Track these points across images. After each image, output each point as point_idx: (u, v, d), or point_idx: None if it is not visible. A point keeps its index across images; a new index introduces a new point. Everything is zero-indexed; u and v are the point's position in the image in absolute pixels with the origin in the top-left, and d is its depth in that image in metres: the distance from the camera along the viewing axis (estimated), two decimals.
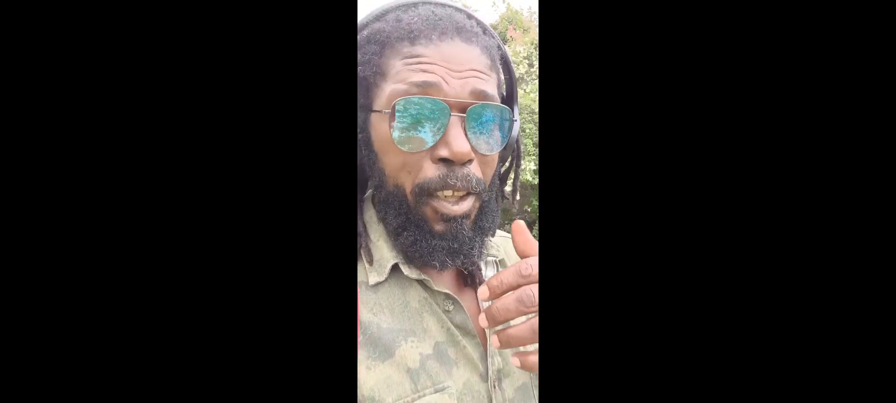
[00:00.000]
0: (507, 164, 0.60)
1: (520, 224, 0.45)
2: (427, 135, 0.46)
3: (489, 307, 0.41)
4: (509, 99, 0.57)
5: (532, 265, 0.40)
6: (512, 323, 0.43)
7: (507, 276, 0.41)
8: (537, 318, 0.39)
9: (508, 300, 0.40)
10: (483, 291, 0.41)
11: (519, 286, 0.40)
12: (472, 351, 0.50)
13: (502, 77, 0.54)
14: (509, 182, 0.61)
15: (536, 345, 0.41)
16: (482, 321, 0.42)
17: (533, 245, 0.44)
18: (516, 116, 0.55)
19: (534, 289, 0.40)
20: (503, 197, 0.60)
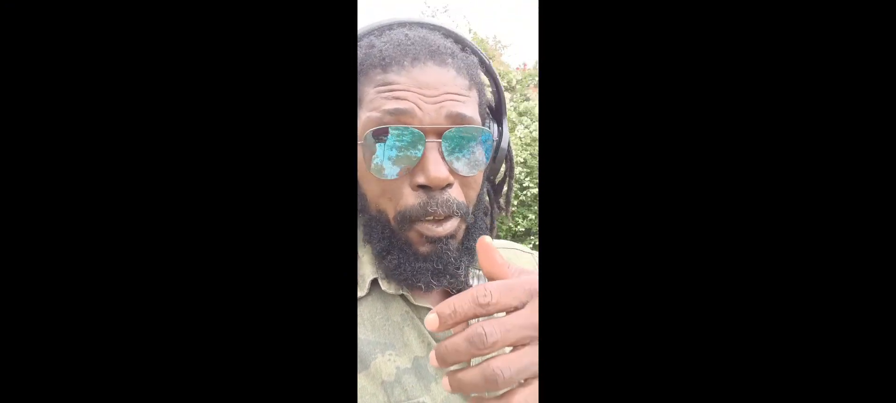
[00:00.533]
0: (501, 175, 0.60)
1: (484, 241, 0.38)
2: (401, 163, 0.46)
3: (438, 345, 0.34)
4: (498, 111, 0.57)
5: (491, 291, 0.34)
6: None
7: (462, 304, 0.34)
8: (495, 362, 0.33)
9: (458, 339, 0.33)
10: (432, 320, 0.34)
11: (475, 316, 0.34)
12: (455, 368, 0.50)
13: (487, 93, 0.55)
14: (503, 193, 0.61)
15: (498, 392, 0.35)
16: (431, 360, 0.35)
17: (502, 267, 0.37)
18: (505, 128, 0.56)
19: (488, 327, 0.33)
20: (499, 208, 0.61)
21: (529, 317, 0.34)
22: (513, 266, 0.38)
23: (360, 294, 0.52)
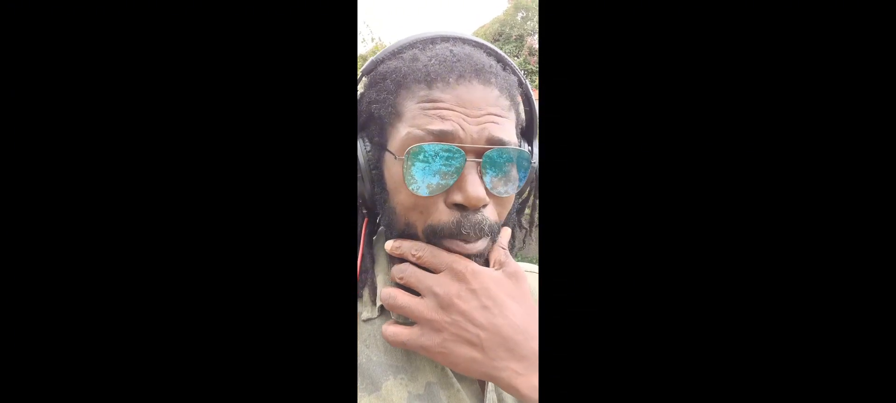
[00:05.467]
0: (524, 196, 0.60)
1: (505, 229, 0.51)
2: (440, 181, 0.46)
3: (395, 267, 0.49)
4: (529, 131, 0.57)
5: (424, 250, 0.47)
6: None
7: (404, 247, 0.48)
8: (391, 290, 0.48)
9: (395, 266, 0.49)
10: (388, 244, 0.50)
11: (406, 258, 0.48)
12: (468, 398, 0.49)
13: (523, 113, 0.55)
14: (526, 214, 0.61)
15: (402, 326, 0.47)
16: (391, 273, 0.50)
17: (495, 247, 0.50)
18: (535, 148, 0.56)
19: (410, 268, 0.47)
20: (521, 227, 0.60)
21: (429, 279, 0.46)
22: (500, 250, 0.50)
23: (370, 315, 0.51)
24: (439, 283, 0.45)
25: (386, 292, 0.47)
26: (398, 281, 0.48)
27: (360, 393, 0.47)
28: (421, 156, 0.45)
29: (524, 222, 0.60)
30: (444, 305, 0.44)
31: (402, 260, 0.49)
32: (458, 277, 0.45)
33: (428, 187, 0.46)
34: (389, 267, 0.53)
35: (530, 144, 0.56)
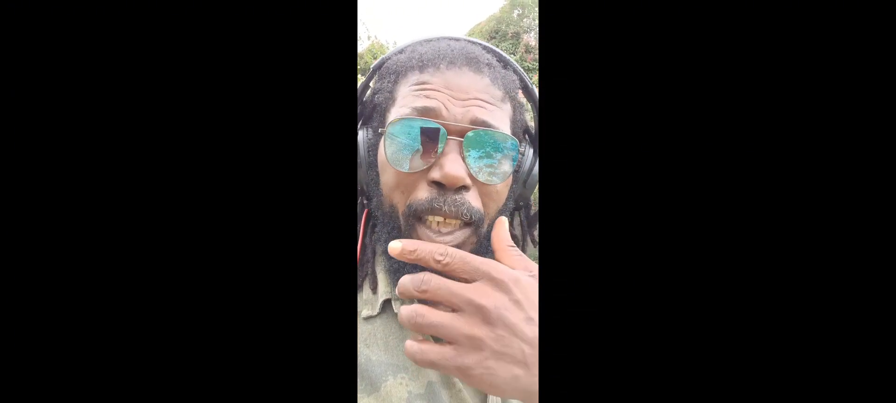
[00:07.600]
0: (536, 207, 0.59)
1: (502, 219, 0.43)
2: (418, 157, 0.46)
3: (403, 278, 0.39)
4: (536, 136, 0.57)
5: (450, 254, 0.38)
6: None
7: (424, 249, 0.39)
8: (421, 307, 0.38)
9: (408, 276, 0.39)
10: (394, 245, 0.39)
11: (431, 266, 0.38)
12: (470, 398, 0.49)
13: (526, 116, 0.55)
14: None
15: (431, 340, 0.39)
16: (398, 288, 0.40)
17: (502, 247, 0.42)
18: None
19: (429, 276, 0.38)
20: (534, 241, 0.59)
21: (468, 291, 0.38)
22: (514, 255, 0.41)
23: (371, 313, 0.51)
24: (482, 294, 0.37)
25: (409, 311, 0.38)
26: (419, 295, 0.38)
27: (360, 395, 0.47)
28: (402, 131, 0.45)
29: (537, 235, 0.59)
30: (492, 319, 0.37)
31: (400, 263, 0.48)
32: (501, 287, 0.38)
33: (409, 162, 0.46)
34: (384, 260, 0.53)
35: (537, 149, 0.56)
